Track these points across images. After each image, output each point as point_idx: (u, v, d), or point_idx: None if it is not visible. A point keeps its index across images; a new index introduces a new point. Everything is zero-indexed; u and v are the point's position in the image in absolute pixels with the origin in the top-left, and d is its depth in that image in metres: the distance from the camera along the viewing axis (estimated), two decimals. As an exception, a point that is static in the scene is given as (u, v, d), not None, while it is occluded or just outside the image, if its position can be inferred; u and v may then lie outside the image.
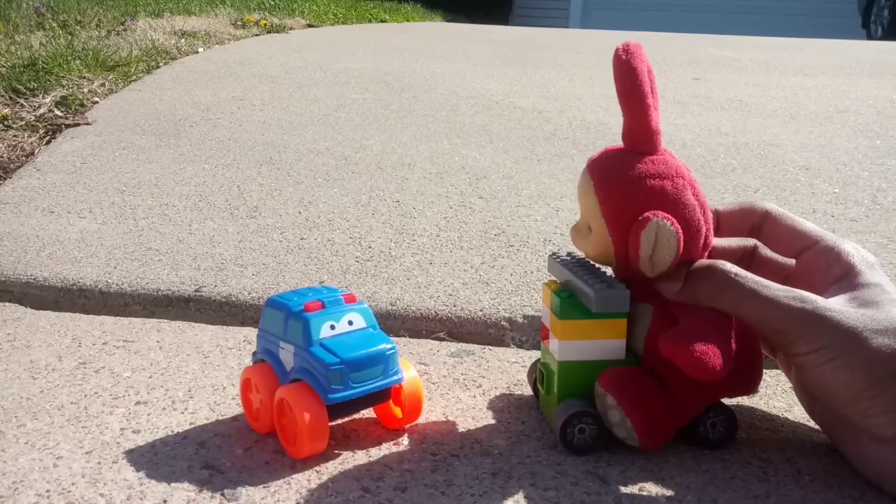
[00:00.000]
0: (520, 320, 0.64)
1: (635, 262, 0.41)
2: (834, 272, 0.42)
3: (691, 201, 0.41)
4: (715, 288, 0.40)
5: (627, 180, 0.41)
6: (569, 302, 0.43)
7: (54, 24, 2.07)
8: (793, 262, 0.45)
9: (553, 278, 0.47)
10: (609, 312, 0.42)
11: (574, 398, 0.43)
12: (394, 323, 0.64)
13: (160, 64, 1.76)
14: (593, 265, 0.45)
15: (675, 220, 0.40)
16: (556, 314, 0.43)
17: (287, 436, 0.43)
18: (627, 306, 0.42)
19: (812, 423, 0.47)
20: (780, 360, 0.47)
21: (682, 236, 0.40)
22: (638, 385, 0.41)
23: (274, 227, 0.84)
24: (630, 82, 0.41)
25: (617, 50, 0.41)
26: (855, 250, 0.42)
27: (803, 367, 0.39)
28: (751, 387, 0.44)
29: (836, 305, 0.39)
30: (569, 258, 0.47)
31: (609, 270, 0.44)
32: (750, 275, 0.40)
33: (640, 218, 0.40)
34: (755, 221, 0.46)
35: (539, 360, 0.48)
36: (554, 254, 0.48)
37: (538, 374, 0.47)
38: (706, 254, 0.43)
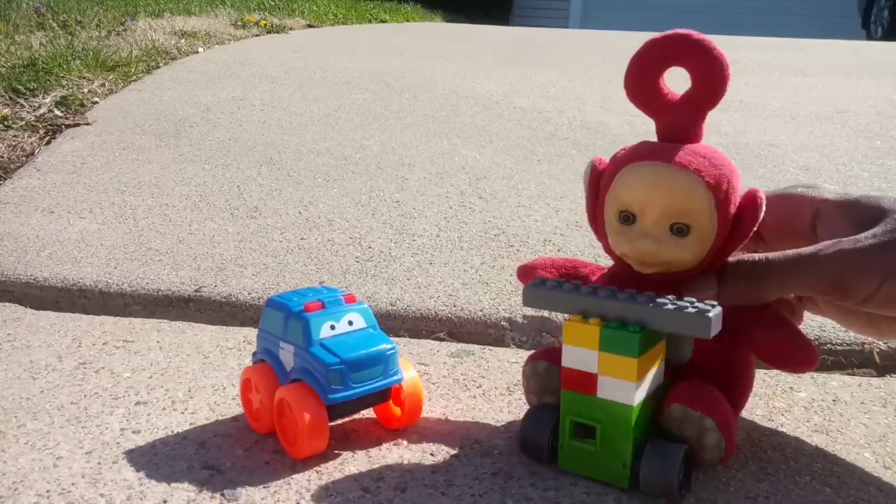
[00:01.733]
0: (520, 320, 0.64)
1: (742, 245, 0.40)
2: (804, 215, 0.42)
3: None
4: (756, 276, 0.39)
5: (716, 162, 0.39)
6: (644, 335, 0.37)
7: (54, 24, 2.07)
8: None
9: (543, 310, 0.44)
10: (696, 335, 0.36)
11: (655, 438, 0.38)
12: (394, 323, 0.64)
13: (160, 64, 1.76)
14: (611, 287, 0.39)
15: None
16: (632, 353, 0.36)
17: (287, 436, 0.43)
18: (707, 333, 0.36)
19: (811, 423, 0.47)
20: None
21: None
22: (717, 399, 0.38)
23: (274, 227, 0.84)
24: (640, 90, 0.41)
25: (628, 65, 0.41)
26: (806, 188, 0.42)
27: (885, 303, 0.37)
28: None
29: (868, 235, 0.37)
30: (570, 284, 0.40)
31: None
32: (773, 254, 0.39)
33: (756, 195, 0.39)
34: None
35: (565, 411, 0.40)
36: (540, 281, 0.41)
37: (566, 428, 0.40)
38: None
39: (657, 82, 0.40)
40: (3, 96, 1.33)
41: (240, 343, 0.60)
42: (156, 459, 0.42)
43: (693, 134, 0.40)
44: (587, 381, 0.38)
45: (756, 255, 0.40)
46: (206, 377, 0.53)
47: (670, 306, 0.36)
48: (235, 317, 0.67)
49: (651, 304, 0.37)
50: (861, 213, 0.39)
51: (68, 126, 1.24)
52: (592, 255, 0.76)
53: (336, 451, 0.43)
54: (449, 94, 1.55)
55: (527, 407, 0.44)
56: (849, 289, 0.37)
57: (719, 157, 0.39)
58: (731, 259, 0.41)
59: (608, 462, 0.39)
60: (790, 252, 0.39)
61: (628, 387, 0.37)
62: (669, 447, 0.38)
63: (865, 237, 0.37)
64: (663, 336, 0.38)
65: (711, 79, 0.39)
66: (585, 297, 0.39)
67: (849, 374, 0.56)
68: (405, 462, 0.42)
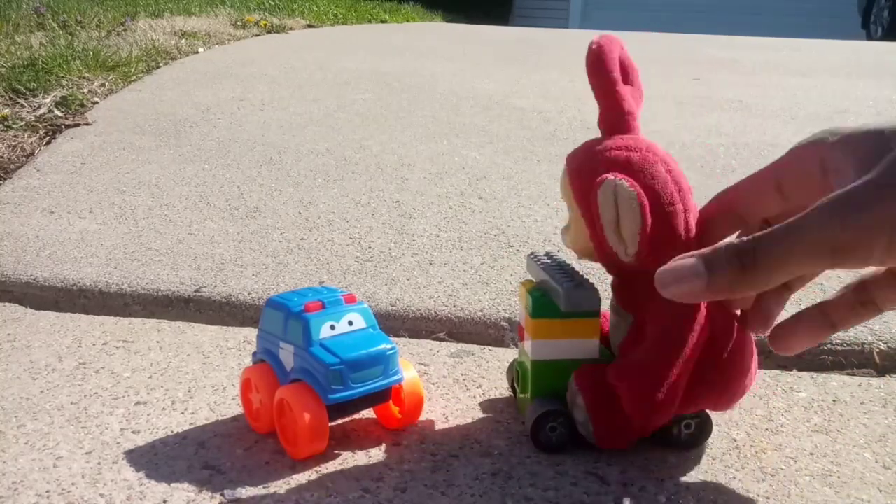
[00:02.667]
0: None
1: (602, 239, 0.39)
2: (813, 174, 0.36)
3: (662, 175, 0.39)
4: (748, 263, 0.32)
5: (592, 155, 0.41)
6: (541, 301, 0.43)
7: (54, 25, 2.07)
8: None
9: (530, 278, 0.47)
10: (579, 311, 0.42)
11: (545, 397, 0.43)
12: (394, 323, 0.64)
13: (160, 64, 1.76)
14: (571, 266, 0.45)
15: (636, 185, 0.38)
16: (529, 313, 0.43)
17: (287, 436, 0.43)
18: (596, 305, 0.42)
19: (811, 423, 0.47)
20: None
21: (647, 204, 0.37)
22: (609, 389, 0.40)
23: (274, 228, 0.84)
24: (599, 69, 0.41)
25: (590, 43, 0.41)
26: (802, 145, 0.38)
27: None
28: (724, 403, 0.41)
29: (859, 185, 0.30)
30: (548, 259, 0.46)
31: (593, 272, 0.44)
32: (762, 232, 0.32)
33: (597, 180, 0.38)
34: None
35: (516, 359, 0.48)
36: (533, 254, 0.47)
37: (514, 373, 0.47)
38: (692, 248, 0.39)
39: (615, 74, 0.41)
40: (3, 96, 1.33)
41: (240, 343, 0.60)
42: (156, 459, 0.42)
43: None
44: (521, 334, 0.46)
45: (735, 240, 0.33)
46: (206, 377, 0.53)
47: (559, 281, 0.42)
48: (235, 317, 0.67)
49: (553, 278, 0.43)
50: (864, 149, 0.32)
51: (68, 126, 1.24)
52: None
53: (336, 451, 0.43)
54: (449, 94, 1.55)
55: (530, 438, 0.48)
56: (852, 253, 0.30)
57: (602, 146, 0.41)
58: (720, 243, 0.34)
59: (523, 407, 0.45)
60: (778, 227, 0.32)
61: (528, 343, 0.44)
62: (543, 403, 0.43)
63: (859, 187, 0.30)
64: (592, 312, 0.42)
65: (636, 75, 0.42)
66: (537, 267, 0.46)
67: (849, 374, 0.56)
68: (405, 462, 0.42)
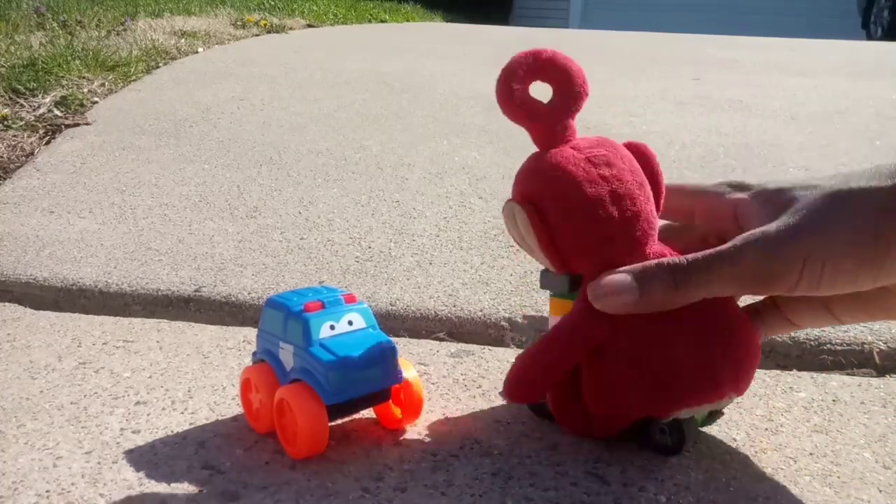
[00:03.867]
0: (519, 320, 0.64)
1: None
2: (725, 215, 0.41)
3: (568, 182, 0.40)
4: (678, 281, 0.37)
5: (530, 167, 0.43)
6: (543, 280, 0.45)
7: (54, 24, 2.07)
8: None
9: None
10: (554, 292, 0.45)
11: None
12: (394, 323, 0.64)
13: (160, 64, 1.76)
14: None
15: (538, 203, 0.40)
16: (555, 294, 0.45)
17: (287, 436, 0.43)
18: (560, 288, 0.42)
19: (811, 423, 0.47)
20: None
21: (535, 218, 0.40)
22: (559, 353, 0.42)
23: (274, 227, 0.84)
24: (505, 111, 0.42)
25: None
26: (730, 185, 0.42)
27: (811, 288, 0.36)
28: (685, 401, 0.40)
29: (781, 221, 0.37)
30: None
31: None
32: (695, 255, 0.38)
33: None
34: (680, 202, 0.45)
35: None
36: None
37: None
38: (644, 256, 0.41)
39: (528, 97, 0.42)
40: (2, 96, 1.33)
41: (240, 343, 0.60)
42: (156, 459, 0.42)
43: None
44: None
45: (676, 258, 0.38)
46: (206, 377, 0.53)
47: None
48: (235, 317, 0.67)
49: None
50: (774, 202, 0.39)
51: (68, 126, 1.24)
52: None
53: (336, 451, 0.43)
54: (449, 95, 1.55)
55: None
56: (770, 280, 0.36)
57: (522, 171, 0.42)
58: (642, 264, 0.39)
59: None
60: (708, 251, 0.37)
61: (550, 319, 0.46)
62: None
63: (776, 225, 0.36)
64: (563, 295, 0.45)
65: (567, 84, 0.42)
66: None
67: (849, 374, 0.56)
68: (405, 462, 0.42)
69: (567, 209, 0.40)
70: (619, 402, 0.41)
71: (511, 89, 0.41)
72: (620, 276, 0.38)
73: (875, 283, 0.36)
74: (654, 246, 0.41)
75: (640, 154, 0.42)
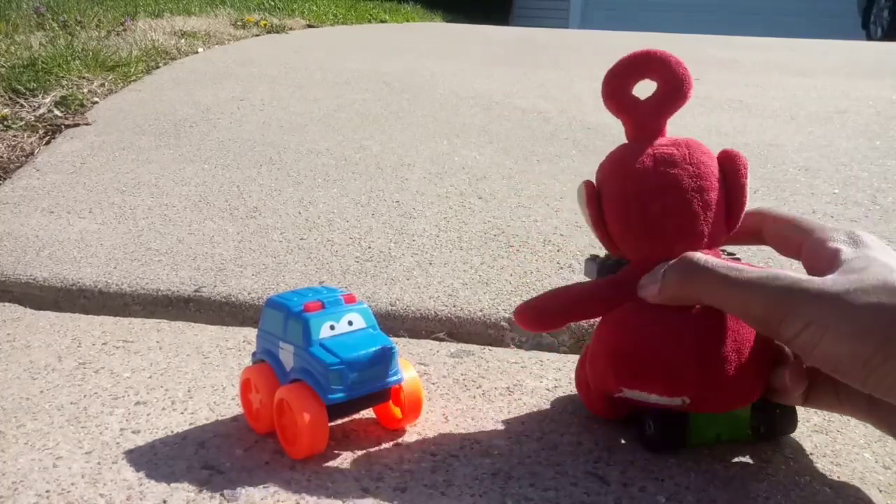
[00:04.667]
0: (520, 320, 0.64)
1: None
2: (823, 259, 0.40)
3: (635, 171, 0.42)
4: (686, 279, 0.39)
5: (611, 158, 0.45)
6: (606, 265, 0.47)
7: (54, 25, 2.07)
8: None
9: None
10: (589, 278, 0.47)
11: None
12: (394, 323, 0.64)
13: (160, 64, 1.76)
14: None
15: (600, 185, 0.43)
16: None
17: (287, 436, 0.43)
18: (589, 275, 0.46)
19: (811, 423, 0.47)
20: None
21: (591, 194, 0.43)
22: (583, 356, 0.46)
23: (274, 228, 0.84)
24: (608, 103, 0.46)
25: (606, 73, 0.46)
26: (844, 234, 0.41)
27: (803, 352, 0.37)
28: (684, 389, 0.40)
29: (816, 278, 0.37)
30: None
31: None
32: (720, 261, 0.39)
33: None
34: (754, 223, 0.45)
35: None
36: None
37: None
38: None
39: (627, 92, 0.45)
40: (2, 96, 1.33)
41: (240, 343, 0.60)
42: (155, 459, 0.42)
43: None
44: None
45: (698, 256, 0.39)
46: (206, 377, 0.53)
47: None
48: (235, 317, 0.67)
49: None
50: (827, 258, 0.39)
51: (68, 126, 1.24)
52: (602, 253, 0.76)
53: (336, 451, 0.43)
54: (449, 95, 1.55)
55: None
56: (772, 323, 0.37)
57: (618, 154, 0.44)
58: (679, 257, 0.41)
59: None
60: (735, 265, 0.38)
61: None
62: None
63: (808, 279, 0.36)
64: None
65: (671, 85, 0.44)
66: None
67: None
68: (405, 462, 0.42)
69: (614, 197, 0.43)
70: (592, 369, 0.44)
71: (613, 81, 0.45)
72: (656, 268, 0.41)
73: (863, 388, 0.35)
74: (702, 250, 0.41)
75: (730, 162, 0.43)
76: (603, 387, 0.44)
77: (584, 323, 0.62)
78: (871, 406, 0.40)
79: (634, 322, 0.42)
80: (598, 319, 0.44)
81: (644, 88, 0.45)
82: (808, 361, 0.38)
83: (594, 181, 0.44)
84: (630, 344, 0.41)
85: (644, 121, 0.44)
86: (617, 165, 0.43)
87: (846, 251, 0.39)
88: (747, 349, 0.40)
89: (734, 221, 0.43)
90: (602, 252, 0.47)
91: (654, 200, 0.41)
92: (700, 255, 0.40)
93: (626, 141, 0.45)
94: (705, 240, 0.42)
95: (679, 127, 1.27)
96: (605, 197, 0.43)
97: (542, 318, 0.44)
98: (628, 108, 0.44)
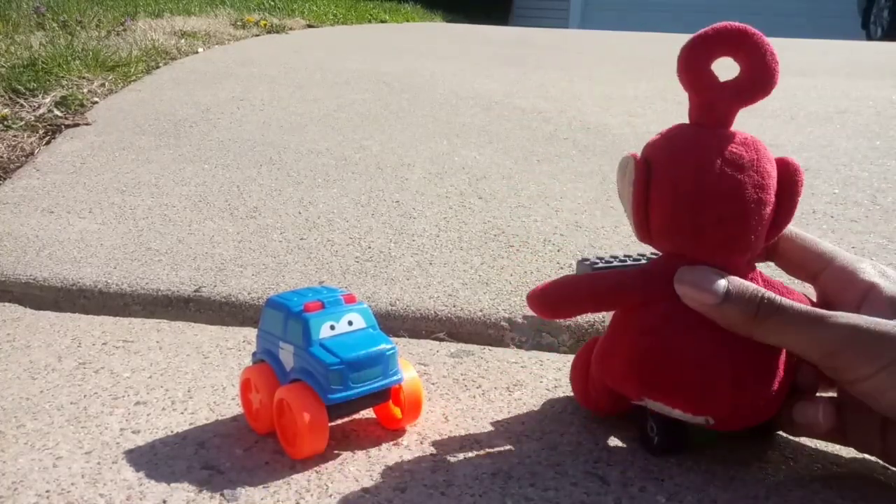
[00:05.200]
0: (519, 321, 0.64)
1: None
2: (854, 292, 0.39)
3: (697, 162, 0.38)
4: (759, 317, 0.37)
5: (676, 144, 0.41)
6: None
7: (54, 25, 2.07)
8: None
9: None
10: None
11: None
12: (393, 323, 0.64)
13: (160, 64, 1.76)
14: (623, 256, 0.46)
15: (653, 167, 0.39)
16: None
17: (287, 436, 0.43)
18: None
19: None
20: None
21: (642, 174, 0.39)
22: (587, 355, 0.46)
23: (274, 228, 0.84)
24: (685, 72, 0.41)
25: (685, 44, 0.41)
26: (871, 266, 0.40)
27: (873, 393, 0.36)
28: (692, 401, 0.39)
29: (885, 321, 0.36)
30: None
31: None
32: (787, 300, 0.37)
33: None
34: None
35: None
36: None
37: None
38: (747, 260, 0.40)
39: (707, 66, 0.40)
40: (2, 96, 1.33)
41: (239, 343, 0.60)
42: (155, 459, 0.42)
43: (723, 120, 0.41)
44: None
45: (770, 293, 0.38)
46: (206, 377, 0.53)
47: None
48: (235, 317, 0.67)
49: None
50: (865, 290, 0.39)
51: (68, 126, 1.24)
52: (592, 255, 0.76)
53: (336, 451, 0.43)
54: (449, 95, 1.55)
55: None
56: (844, 364, 0.36)
57: (680, 139, 0.40)
58: (748, 285, 0.38)
59: None
60: (804, 306, 0.37)
61: None
62: None
63: (885, 322, 0.35)
64: None
65: (758, 74, 0.40)
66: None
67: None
68: (405, 462, 0.42)
69: (668, 189, 0.39)
70: (604, 367, 0.43)
71: (694, 51, 0.40)
72: (716, 278, 0.38)
73: None
74: (741, 266, 0.40)
75: (789, 174, 0.40)
76: (617, 389, 0.42)
77: (582, 322, 0.62)
78: None
79: (665, 329, 0.39)
80: (597, 317, 0.44)
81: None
82: (875, 405, 0.37)
83: (642, 156, 0.40)
84: (661, 354, 0.39)
85: (717, 104, 0.40)
86: (678, 153, 0.39)
87: (886, 286, 0.39)
88: (776, 369, 0.39)
89: (773, 235, 0.40)
90: (592, 256, 0.46)
91: (713, 207, 0.38)
92: (775, 296, 0.38)
93: (684, 121, 0.41)
94: (749, 255, 0.40)
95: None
96: (655, 182, 0.39)
97: (565, 305, 0.42)
98: (705, 87, 0.40)
